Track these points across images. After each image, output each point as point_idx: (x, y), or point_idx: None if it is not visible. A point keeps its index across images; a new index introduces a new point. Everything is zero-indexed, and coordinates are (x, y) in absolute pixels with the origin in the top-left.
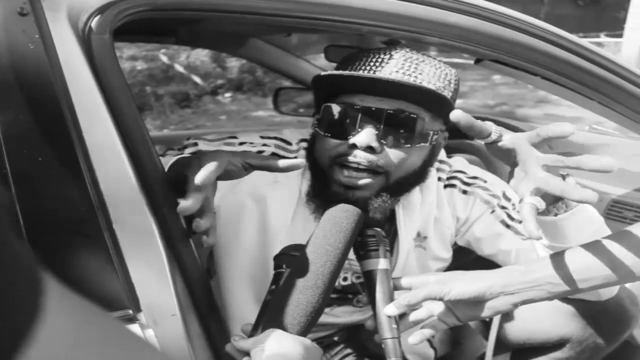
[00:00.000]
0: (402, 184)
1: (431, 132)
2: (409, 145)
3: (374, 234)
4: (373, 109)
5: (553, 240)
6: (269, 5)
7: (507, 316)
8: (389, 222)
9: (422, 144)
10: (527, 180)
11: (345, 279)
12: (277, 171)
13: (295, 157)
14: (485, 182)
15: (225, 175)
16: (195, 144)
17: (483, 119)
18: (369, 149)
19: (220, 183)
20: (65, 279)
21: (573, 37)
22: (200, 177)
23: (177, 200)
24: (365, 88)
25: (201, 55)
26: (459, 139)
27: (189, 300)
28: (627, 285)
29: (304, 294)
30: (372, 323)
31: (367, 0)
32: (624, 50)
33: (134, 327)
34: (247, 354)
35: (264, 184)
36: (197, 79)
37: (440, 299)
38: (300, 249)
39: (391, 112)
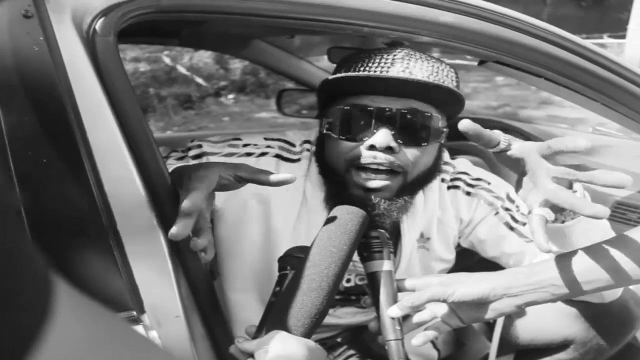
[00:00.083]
0: (418, 182)
1: (444, 129)
2: (425, 144)
3: (377, 235)
4: (387, 109)
5: (561, 248)
6: (273, 7)
7: (510, 317)
8: (392, 223)
9: (437, 142)
10: (536, 191)
11: (348, 280)
12: (268, 185)
13: (299, 159)
14: (489, 183)
15: (220, 188)
16: (200, 146)
17: (486, 121)
18: (388, 149)
19: None
20: (69, 281)
21: (576, 38)
22: (187, 205)
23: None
24: (376, 89)
25: (204, 57)
26: (462, 140)
27: (192, 302)
28: (632, 287)
29: (308, 295)
30: (375, 324)
31: (369, 2)
32: (626, 52)
33: (138, 329)
34: (251, 355)
35: (266, 186)
36: (200, 81)
37: (444, 301)
38: (304, 250)
39: (405, 111)
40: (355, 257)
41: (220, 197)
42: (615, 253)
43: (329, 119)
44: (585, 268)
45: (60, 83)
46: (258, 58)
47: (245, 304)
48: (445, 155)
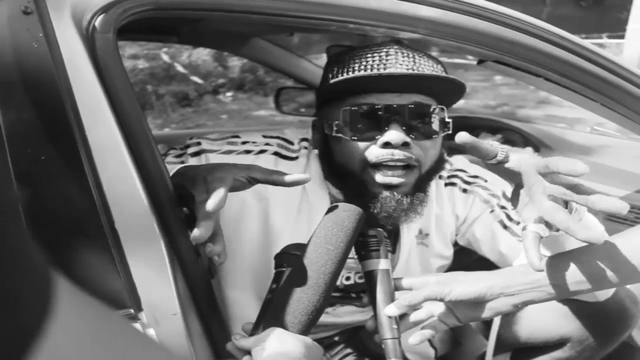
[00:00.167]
0: (431, 174)
1: (449, 120)
2: (435, 136)
3: (375, 234)
4: (394, 105)
5: None
6: (272, 4)
7: (507, 316)
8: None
9: (444, 132)
10: (531, 207)
11: (348, 278)
12: (282, 185)
13: (297, 157)
14: (485, 181)
15: (231, 189)
16: (199, 143)
17: (484, 120)
18: (403, 145)
19: None
20: (67, 279)
21: (575, 38)
22: (212, 204)
23: (179, 204)
24: (381, 86)
25: (203, 55)
26: None
27: (190, 300)
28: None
29: (305, 293)
30: (372, 323)
31: (369, 1)
32: (625, 52)
33: (136, 326)
34: (248, 352)
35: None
36: (197, 79)
37: (441, 300)
38: (301, 248)
39: (412, 106)
40: (355, 254)
41: None
42: (614, 252)
43: (336, 121)
44: (581, 268)
45: (59, 80)
46: (257, 56)
47: (244, 302)
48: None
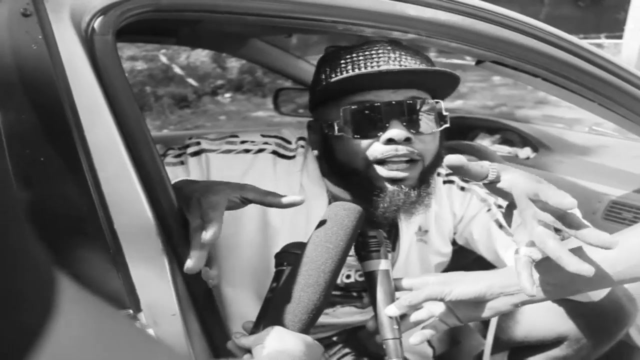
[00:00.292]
0: (433, 167)
1: (446, 113)
2: (435, 129)
3: (375, 234)
4: (393, 102)
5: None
6: (270, 6)
7: (504, 315)
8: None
9: (443, 125)
10: (523, 229)
11: (348, 276)
12: (278, 207)
13: (294, 156)
14: None
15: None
16: (198, 143)
17: (483, 120)
18: (405, 140)
19: (225, 177)
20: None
21: (573, 39)
22: (208, 237)
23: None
24: (377, 83)
25: (201, 56)
26: (457, 139)
27: (189, 300)
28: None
29: (305, 291)
30: (373, 324)
31: (366, 2)
32: (624, 52)
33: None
34: (249, 351)
35: (264, 182)
36: (192, 81)
37: (441, 300)
38: (301, 247)
39: (410, 101)
40: (354, 253)
41: None
42: (609, 252)
43: (337, 121)
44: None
45: (58, 82)
46: (255, 57)
47: (242, 300)
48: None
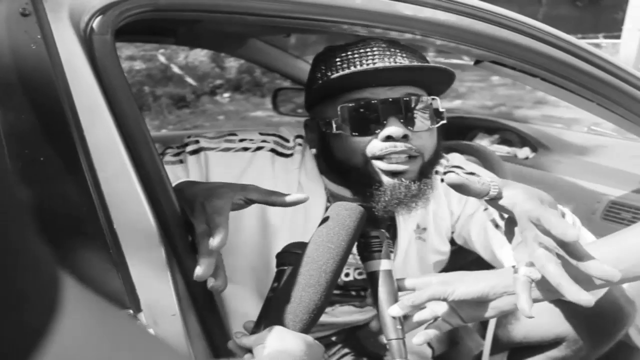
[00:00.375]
0: (432, 162)
1: (442, 109)
2: (432, 126)
3: (377, 235)
4: (390, 99)
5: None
6: (269, 6)
7: (503, 315)
8: (389, 216)
9: (440, 121)
10: (523, 248)
11: (347, 274)
12: (282, 206)
13: (292, 154)
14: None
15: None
16: (197, 142)
17: (482, 120)
18: (403, 137)
19: (222, 177)
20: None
21: (571, 39)
22: (216, 244)
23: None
24: (374, 81)
25: (200, 55)
26: (456, 139)
27: (189, 300)
28: (625, 285)
29: (306, 291)
30: (376, 324)
31: (365, 2)
32: (622, 52)
33: None
34: (249, 350)
35: (263, 180)
36: (191, 80)
37: (444, 300)
38: (302, 247)
39: (407, 98)
40: (354, 250)
41: None
42: (613, 251)
43: (335, 118)
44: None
45: (57, 81)
46: (254, 57)
47: (242, 297)
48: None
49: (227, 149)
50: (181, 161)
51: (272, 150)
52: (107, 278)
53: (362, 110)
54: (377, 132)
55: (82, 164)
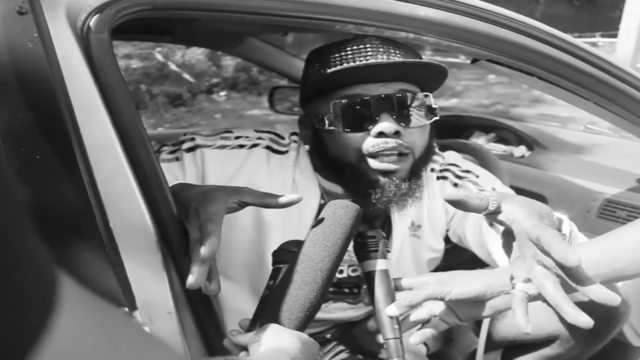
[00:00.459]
0: (423, 160)
1: (435, 106)
2: (424, 122)
3: (374, 234)
4: (382, 95)
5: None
6: (266, 4)
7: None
8: (383, 213)
9: (432, 118)
10: (522, 264)
11: (341, 271)
12: (276, 207)
13: (287, 151)
14: (477, 177)
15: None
16: (193, 139)
17: (478, 118)
18: (395, 133)
19: (218, 175)
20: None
21: (568, 37)
22: (206, 253)
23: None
24: (367, 77)
25: (196, 54)
26: (452, 137)
27: (184, 298)
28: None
29: (302, 289)
30: (373, 324)
31: (363, 1)
32: (618, 51)
33: None
34: (245, 348)
35: (258, 177)
36: (188, 77)
37: (441, 299)
38: (298, 244)
39: (400, 95)
40: (349, 247)
41: None
42: (609, 249)
43: (327, 115)
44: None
45: (54, 80)
46: (251, 55)
47: (237, 294)
48: (435, 148)
49: (223, 146)
50: (177, 159)
51: (268, 147)
52: (103, 276)
53: (354, 106)
54: (369, 128)
55: (79, 163)
